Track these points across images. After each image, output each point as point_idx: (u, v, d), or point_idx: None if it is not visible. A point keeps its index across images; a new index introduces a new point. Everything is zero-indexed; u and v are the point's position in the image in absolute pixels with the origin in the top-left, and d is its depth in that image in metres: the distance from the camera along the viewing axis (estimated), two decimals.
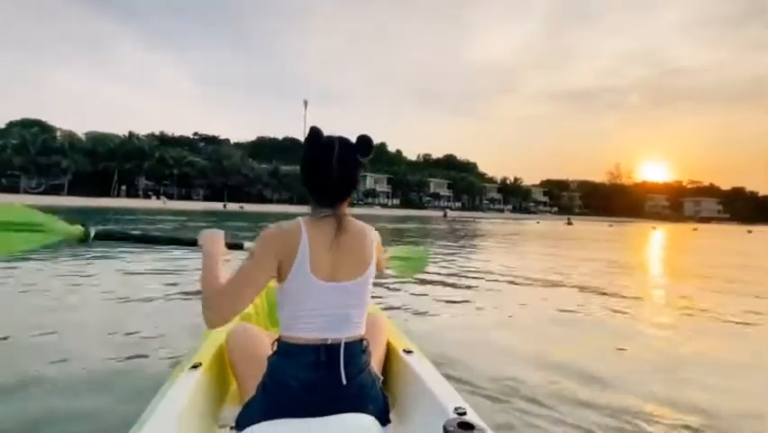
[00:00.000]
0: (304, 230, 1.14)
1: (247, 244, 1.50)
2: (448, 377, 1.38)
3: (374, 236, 1.27)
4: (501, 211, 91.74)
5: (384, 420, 1.19)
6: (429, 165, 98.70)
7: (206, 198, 62.36)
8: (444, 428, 0.96)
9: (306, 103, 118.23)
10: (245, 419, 1.14)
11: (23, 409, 1.89)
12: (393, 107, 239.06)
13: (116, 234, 1.50)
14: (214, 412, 1.35)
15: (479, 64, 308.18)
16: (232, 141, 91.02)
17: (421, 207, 77.41)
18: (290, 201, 69.32)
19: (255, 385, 1.21)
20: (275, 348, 1.20)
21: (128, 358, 2.51)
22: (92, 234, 1.38)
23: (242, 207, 46.45)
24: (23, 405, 1.92)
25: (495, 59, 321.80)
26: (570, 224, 41.80)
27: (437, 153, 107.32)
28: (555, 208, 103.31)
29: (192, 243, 1.41)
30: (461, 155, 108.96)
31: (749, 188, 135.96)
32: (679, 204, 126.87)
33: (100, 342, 2.78)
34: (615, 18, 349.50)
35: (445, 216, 53.83)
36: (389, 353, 1.53)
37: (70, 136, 62.79)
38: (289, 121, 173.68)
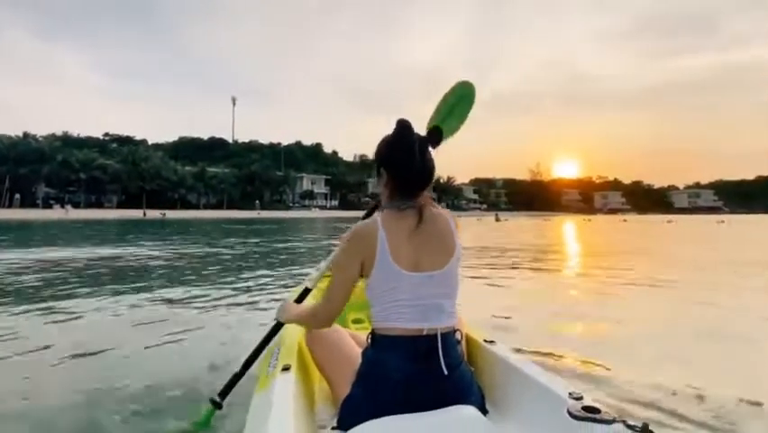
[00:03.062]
0: (380, 225, 1.18)
1: (308, 284, 1.68)
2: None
3: (455, 222, 1.28)
4: None
5: (483, 412, 1.18)
6: (366, 166, 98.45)
7: (121, 206, 56.23)
8: (569, 412, 0.98)
9: (234, 100, 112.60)
10: (349, 417, 1.12)
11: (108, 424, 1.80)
12: (326, 107, 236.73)
13: (234, 380, 1.62)
14: (310, 413, 1.34)
15: (407, 67, 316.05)
16: (150, 141, 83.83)
17: (360, 207, 76.80)
18: (219, 206, 65.03)
19: (347, 382, 1.21)
20: (368, 342, 1.21)
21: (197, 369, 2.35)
22: (219, 399, 1.59)
23: (163, 215, 42.36)
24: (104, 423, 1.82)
25: (422, 62, 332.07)
26: (498, 220, 40.33)
27: (373, 154, 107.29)
28: (485, 205, 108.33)
29: (277, 327, 1.59)
30: None
31: (646, 181, 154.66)
32: (590, 197, 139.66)
33: (176, 357, 2.63)
34: (530, 28, 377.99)
35: None
36: (469, 344, 1.51)
37: None
38: (215, 119, 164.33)
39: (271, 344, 1.61)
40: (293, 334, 1.57)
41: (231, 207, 64.02)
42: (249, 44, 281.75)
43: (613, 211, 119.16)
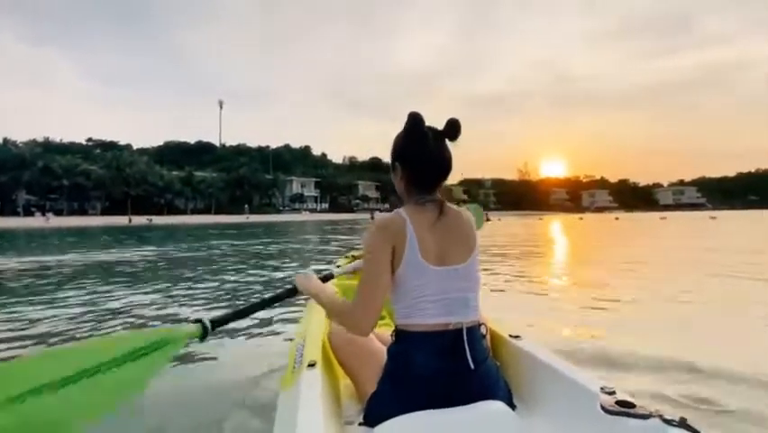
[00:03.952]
0: (407, 217, 1.16)
1: (336, 270, 1.63)
2: None
3: (473, 220, 1.28)
4: None
5: (511, 407, 1.17)
6: (356, 168, 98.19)
7: (106, 212, 55.01)
8: (603, 407, 0.96)
9: (221, 104, 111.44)
10: (376, 413, 1.11)
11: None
12: (314, 110, 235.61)
13: (231, 316, 1.44)
14: (337, 409, 1.34)
15: (395, 69, 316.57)
16: (134, 146, 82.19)
17: (350, 210, 76.25)
18: (207, 211, 63.95)
19: (372, 379, 1.21)
20: (393, 338, 1.20)
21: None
22: (209, 326, 1.32)
23: (150, 221, 41.42)
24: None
25: (410, 64, 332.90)
26: (488, 220, 41.66)
27: (362, 156, 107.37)
28: (474, 205, 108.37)
29: (292, 292, 1.48)
30: (386, 157, 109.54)
31: (632, 179, 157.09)
32: (578, 196, 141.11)
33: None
34: (517, 30, 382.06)
35: (373, 219, 53.19)
36: (494, 339, 1.49)
37: None
38: (202, 123, 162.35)
39: (296, 340, 1.58)
40: (316, 331, 1.56)
41: (219, 211, 63.03)
42: (236, 47, 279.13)
43: (600, 209, 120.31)
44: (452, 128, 1.21)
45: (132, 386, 1.07)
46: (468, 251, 1.19)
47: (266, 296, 1.57)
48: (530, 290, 4.92)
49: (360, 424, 1.18)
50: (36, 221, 38.97)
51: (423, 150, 1.19)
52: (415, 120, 1.21)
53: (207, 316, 1.35)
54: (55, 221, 38.65)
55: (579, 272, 6.70)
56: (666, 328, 3.16)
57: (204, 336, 1.29)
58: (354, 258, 2.89)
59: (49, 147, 65.40)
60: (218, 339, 2.99)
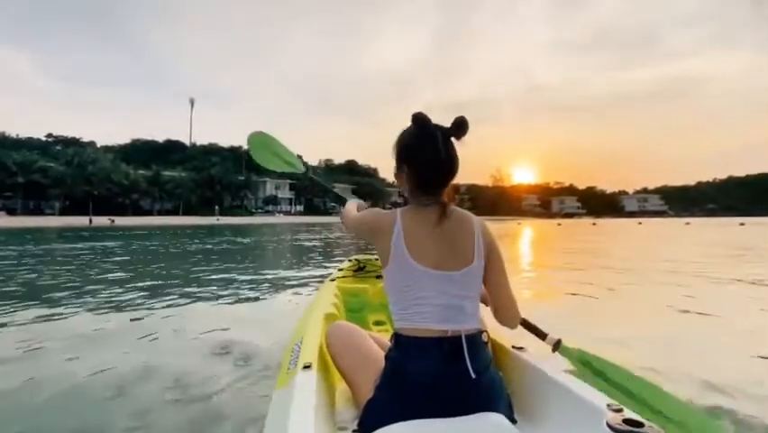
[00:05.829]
0: (398, 216, 1.17)
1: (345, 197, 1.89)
2: None
3: (482, 226, 1.25)
4: None
5: (512, 421, 1.12)
6: (331, 170, 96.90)
7: (65, 212, 51.83)
8: (609, 425, 0.93)
9: (192, 102, 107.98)
10: (372, 420, 1.07)
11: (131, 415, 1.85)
12: (289, 110, 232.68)
13: (318, 180, 2.38)
14: (330, 414, 1.31)
15: (371, 72, 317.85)
16: (99, 144, 78.40)
17: (326, 213, 75.13)
18: (175, 212, 61.50)
19: (370, 384, 1.19)
20: (392, 343, 1.18)
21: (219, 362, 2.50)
22: (308, 171, 2.16)
23: (112, 222, 39.24)
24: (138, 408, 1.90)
25: (387, 67, 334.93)
26: None
27: (338, 159, 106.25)
28: None
29: (342, 202, 1.75)
30: (362, 161, 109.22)
31: (599, 186, 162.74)
32: (548, 202, 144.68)
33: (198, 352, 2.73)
34: (492, 40, 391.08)
35: None
36: (497, 350, 1.46)
37: None
38: (172, 122, 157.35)
39: (292, 340, 1.63)
40: (314, 332, 1.54)
41: (188, 212, 60.68)
42: (208, 46, 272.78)
43: (569, 215, 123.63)
44: (459, 127, 1.18)
45: (271, 163, 2.18)
46: (469, 258, 1.15)
47: (334, 188, 2.07)
48: None
49: (354, 431, 1.15)
50: None
51: (431, 152, 1.15)
52: (423, 122, 1.18)
53: (311, 165, 1.63)
54: (5, 221, 36.00)
55: None
56: None
57: (304, 173, 2.25)
58: (358, 261, 2.94)
59: (4, 142, 61.42)
60: (211, 330, 3.15)
